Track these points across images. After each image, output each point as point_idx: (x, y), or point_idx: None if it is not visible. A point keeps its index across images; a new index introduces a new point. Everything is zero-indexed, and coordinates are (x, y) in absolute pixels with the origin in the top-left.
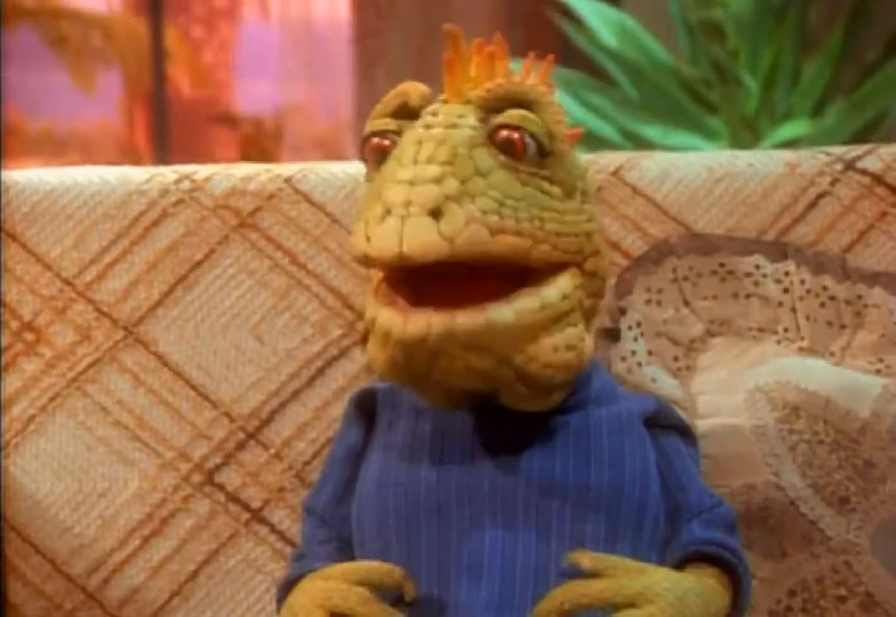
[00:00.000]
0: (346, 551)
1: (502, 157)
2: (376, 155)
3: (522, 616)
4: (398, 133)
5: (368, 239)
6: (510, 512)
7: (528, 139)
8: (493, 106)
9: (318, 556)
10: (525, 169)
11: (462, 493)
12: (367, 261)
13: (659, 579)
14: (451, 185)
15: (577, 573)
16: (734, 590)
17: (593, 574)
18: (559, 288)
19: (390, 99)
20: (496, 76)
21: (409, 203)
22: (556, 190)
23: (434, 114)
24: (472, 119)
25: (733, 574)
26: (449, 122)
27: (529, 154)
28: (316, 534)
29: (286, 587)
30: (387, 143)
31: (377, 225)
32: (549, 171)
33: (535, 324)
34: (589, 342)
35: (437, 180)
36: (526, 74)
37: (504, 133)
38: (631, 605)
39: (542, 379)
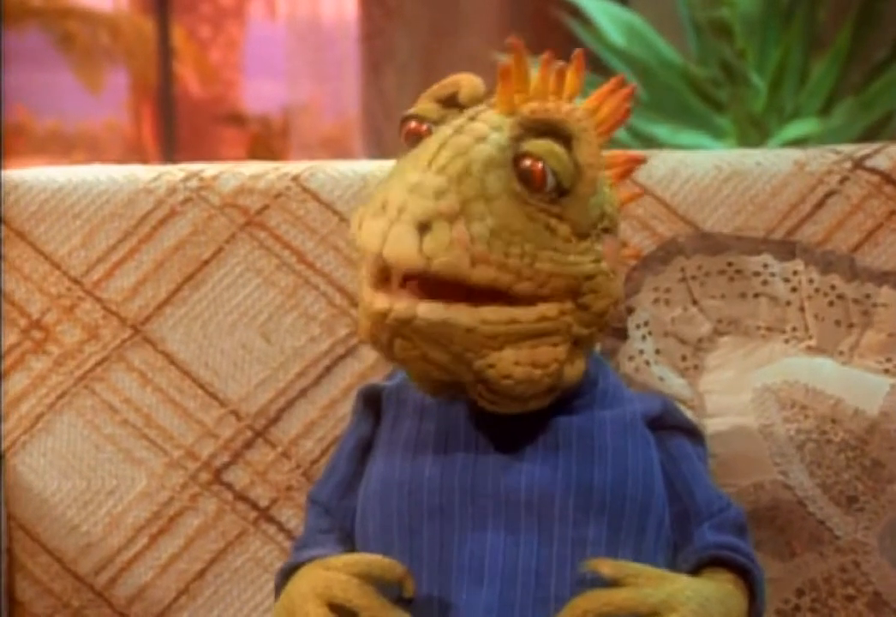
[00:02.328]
0: (348, 542)
1: (516, 186)
2: (411, 139)
3: None
4: (438, 123)
5: (361, 227)
6: (512, 513)
7: (548, 173)
8: (531, 127)
9: (321, 544)
10: (536, 203)
11: (465, 494)
12: (356, 244)
13: (682, 587)
14: (450, 202)
15: (591, 579)
16: (750, 593)
17: (613, 582)
18: (538, 311)
19: (446, 85)
20: (557, 93)
21: (403, 209)
22: (564, 229)
23: (473, 118)
24: (504, 135)
25: (748, 578)
26: (480, 134)
27: (547, 188)
28: (319, 523)
29: (286, 574)
30: (424, 128)
31: (371, 219)
32: (561, 210)
33: (499, 335)
34: (575, 365)
35: (438, 194)
36: (601, 98)
37: (527, 162)
38: (655, 614)
39: (501, 387)
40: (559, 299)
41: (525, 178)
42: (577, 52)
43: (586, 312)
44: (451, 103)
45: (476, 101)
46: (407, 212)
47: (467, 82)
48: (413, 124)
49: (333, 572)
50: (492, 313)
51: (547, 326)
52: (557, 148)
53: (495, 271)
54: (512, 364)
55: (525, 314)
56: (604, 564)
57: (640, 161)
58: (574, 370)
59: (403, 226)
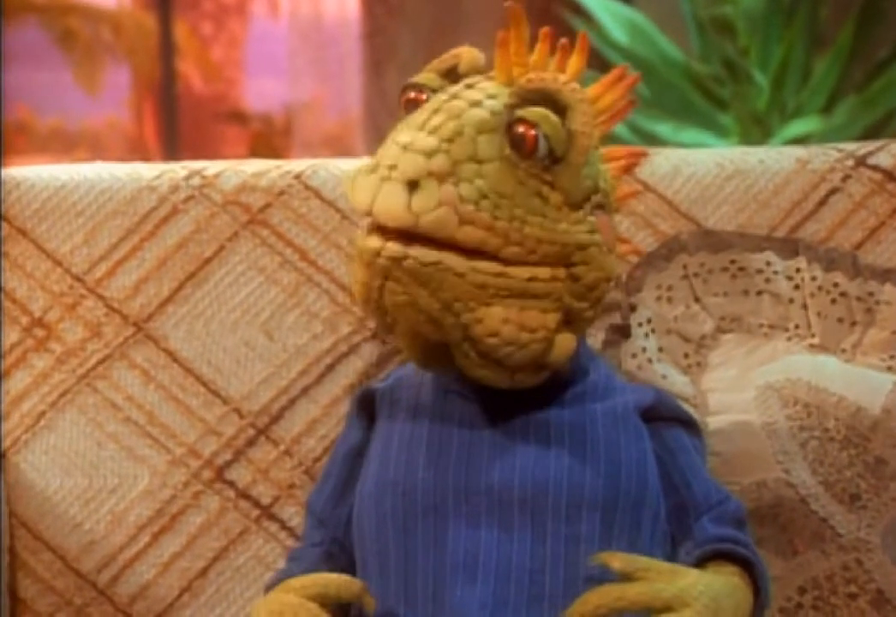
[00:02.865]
0: (334, 556)
1: (508, 151)
2: (408, 106)
3: (517, 615)
4: (436, 92)
5: (353, 184)
6: (506, 511)
7: (541, 140)
8: (526, 97)
9: (305, 560)
10: (527, 168)
11: (458, 492)
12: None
13: (693, 581)
14: (440, 162)
15: (585, 575)
16: (753, 587)
17: (623, 576)
18: (530, 270)
19: (446, 58)
20: (558, 69)
21: (394, 167)
22: (556, 197)
23: (470, 86)
24: (499, 102)
25: (752, 571)
26: (474, 100)
27: (539, 155)
28: (312, 535)
29: (267, 591)
30: (423, 97)
31: (363, 176)
32: (553, 177)
33: (488, 286)
34: (565, 339)
35: (429, 154)
36: (605, 88)
37: (520, 128)
38: (668, 608)
39: (486, 346)
40: (551, 266)
41: (517, 143)
42: (582, 33)
43: (578, 283)
44: (452, 76)
45: (475, 72)
46: (397, 170)
47: (467, 54)
48: (412, 94)
49: (290, 596)
50: (484, 263)
51: (537, 286)
52: (551, 114)
53: (483, 232)
54: (500, 321)
55: (516, 271)
56: (613, 557)
57: (642, 155)
58: (563, 344)
59: (393, 183)
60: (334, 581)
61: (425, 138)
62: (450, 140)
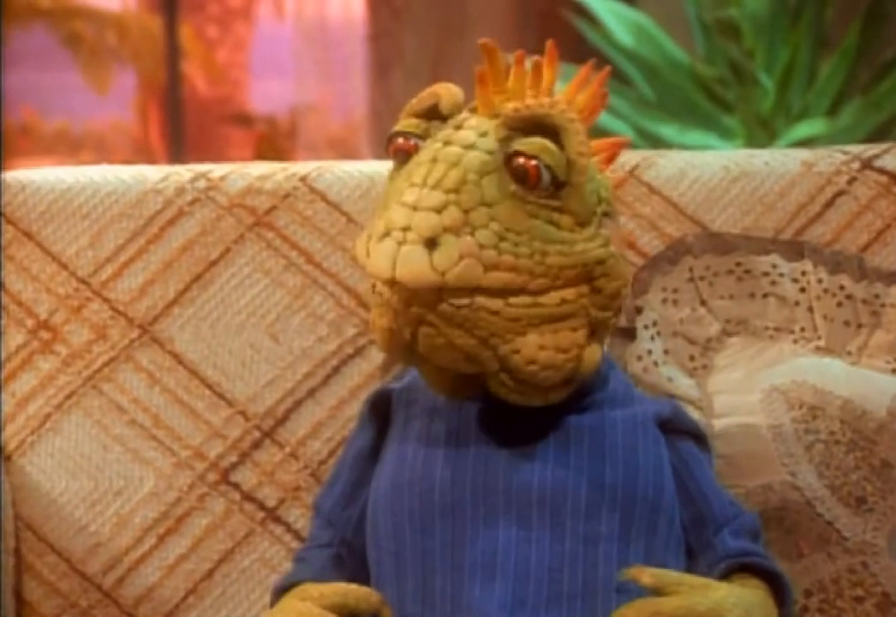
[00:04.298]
0: (343, 558)
1: (513, 187)
2: (399, 156)
3: (536, 615)
4: (423, 137)
5: (368, 254)
6: (524, 511)
7: (543, 170)
8: (517, 126)
9: (313, 562)
10: (535, 200)
11: (476, 492)
12: (366, 271)
13: (725, 594)
14: (453, 214)
15: (603, 575)
16: (776, 599)
17: (655, 591)
18: (559, 294)
19: (424, 98)
20: (535, 88)
21: (407, 228)
22: (567, 220)
23: (458, 126)
24: (492, 139)
25: (776, 584)
26: (468, 142)
27: (543, 184)
28: (320, 536)
29: (277, 594)
30: (412, 143)
31: (376, 243)
32: (561, 202)
33: (522, 317)
34: (592, 352)
35: (439, 209)
36: (576, 88)
37: (520, 161)
38: None
39: (525, 374)
40: (575, 285)
41: (520, 176)
42: (550, 43)
43: (601, 295)
44: (433, 115)
45: (457, 108)
46: (412, 231)
47: (445, 92)
48: (400, 141)
49: (308, 605)
50: (514, 299)
51: (567, 308)
52: (548, 143)
53: (508, 274)
54: (536, 349)
55: (546, 298)
56: (642, 573)
57: (624, 145)
58: (591, 358)
59: (410, 246)
60: (353, 591)
61: (431, 194)
62: (456, 190)
